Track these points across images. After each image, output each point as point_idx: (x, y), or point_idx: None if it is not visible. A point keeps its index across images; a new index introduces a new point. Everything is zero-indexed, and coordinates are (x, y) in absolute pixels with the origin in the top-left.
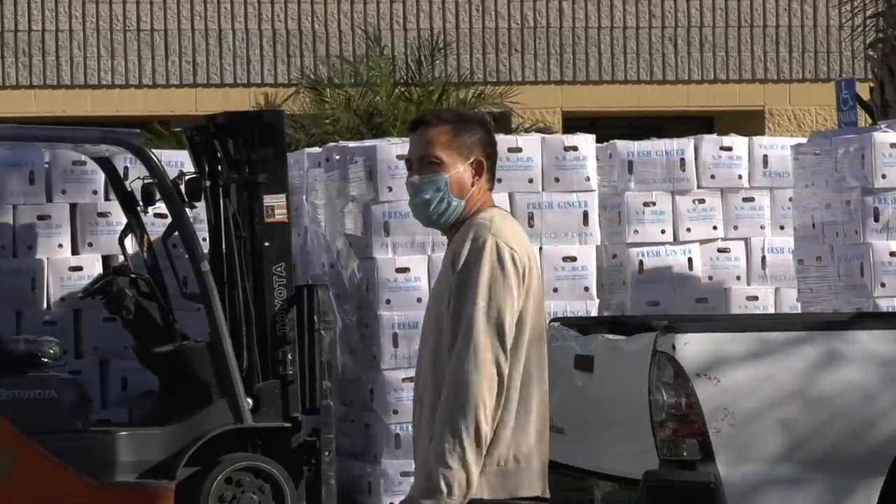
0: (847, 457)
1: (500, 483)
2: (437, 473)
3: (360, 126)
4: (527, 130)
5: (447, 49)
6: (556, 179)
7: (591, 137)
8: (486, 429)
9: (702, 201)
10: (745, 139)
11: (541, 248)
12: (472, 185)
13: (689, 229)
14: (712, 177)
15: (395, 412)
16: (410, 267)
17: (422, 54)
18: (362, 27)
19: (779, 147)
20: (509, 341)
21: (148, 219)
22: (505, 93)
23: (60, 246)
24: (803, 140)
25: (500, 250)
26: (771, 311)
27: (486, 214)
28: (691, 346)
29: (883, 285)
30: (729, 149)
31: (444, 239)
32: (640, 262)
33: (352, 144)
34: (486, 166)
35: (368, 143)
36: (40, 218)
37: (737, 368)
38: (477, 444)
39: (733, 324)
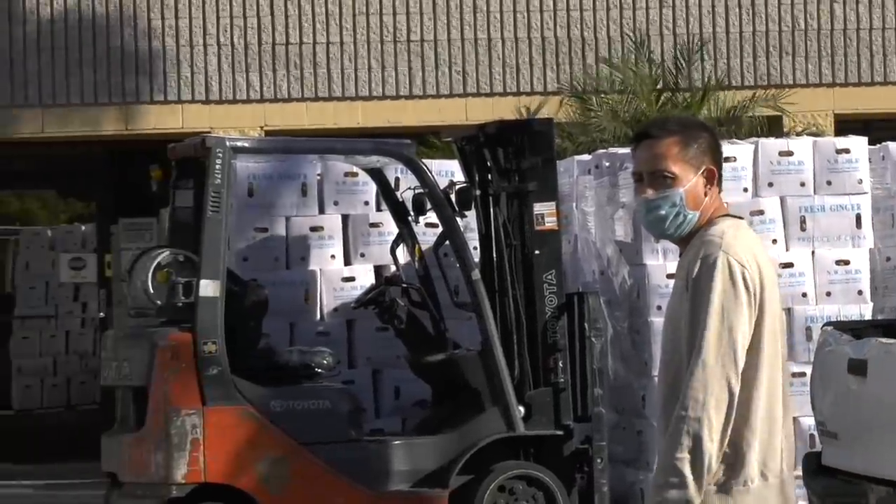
0: None
1: (748, 501)
2: (664, 490)
3: (627, 133)
4: (798, 134)
5: (717, 52)
6: (829, 182)
7: (863, 140)
8: (710, 446)
9: None
10: None
11: (813, 252)
12: (706, 194)
13: None
14: None
15: None
16: None
17: (682, 57)
18: (630, 33)
19: None
20: (741, 361)
21: (419, 228)
22: (778, 96)
23: (333, 257)
24: None
25: (732, 268)
26: None
27: (716, 229)
28: None
29: None
30: None
31: None
32: None
33: (621, 151)
34: (717, 173)
35: None
36: (313, 229)
37: None
38: (697, 462)
39: None
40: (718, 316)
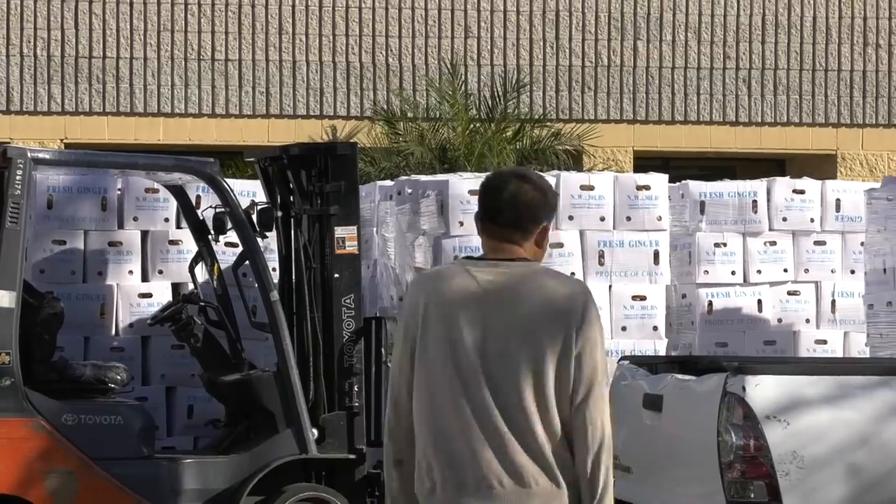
0: None
1: None
2: None
3: (432, 160)
4: (600, 170)
5: (522, 87)
6: (628, 218)
7: (664, 177)
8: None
9: (773, 243)
10: (818, 182)
11: (610, 287)
12: (538, 244)
13: (759, 271)
14: (784, 219)
15: None
16: None
17: (503, 90)
18: (435, 62)
19: (851, 191)
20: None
21: (218, 247)
22: (583, 133)
23: (131, 272)
24: (876, 185)
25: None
26: (840, 355)
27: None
28: (762, 388)
29: None
30: (802, 192)
31: None
32: (710, 303)
33: (424, 178)
34: (549, 230)
35: (441, 177)
36: (111, 244)
37: (807, 411)
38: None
39: (804, 366)
40: (601, 350)
